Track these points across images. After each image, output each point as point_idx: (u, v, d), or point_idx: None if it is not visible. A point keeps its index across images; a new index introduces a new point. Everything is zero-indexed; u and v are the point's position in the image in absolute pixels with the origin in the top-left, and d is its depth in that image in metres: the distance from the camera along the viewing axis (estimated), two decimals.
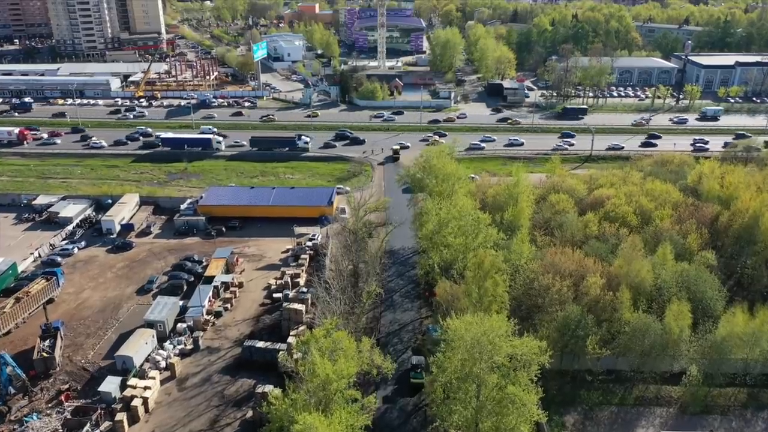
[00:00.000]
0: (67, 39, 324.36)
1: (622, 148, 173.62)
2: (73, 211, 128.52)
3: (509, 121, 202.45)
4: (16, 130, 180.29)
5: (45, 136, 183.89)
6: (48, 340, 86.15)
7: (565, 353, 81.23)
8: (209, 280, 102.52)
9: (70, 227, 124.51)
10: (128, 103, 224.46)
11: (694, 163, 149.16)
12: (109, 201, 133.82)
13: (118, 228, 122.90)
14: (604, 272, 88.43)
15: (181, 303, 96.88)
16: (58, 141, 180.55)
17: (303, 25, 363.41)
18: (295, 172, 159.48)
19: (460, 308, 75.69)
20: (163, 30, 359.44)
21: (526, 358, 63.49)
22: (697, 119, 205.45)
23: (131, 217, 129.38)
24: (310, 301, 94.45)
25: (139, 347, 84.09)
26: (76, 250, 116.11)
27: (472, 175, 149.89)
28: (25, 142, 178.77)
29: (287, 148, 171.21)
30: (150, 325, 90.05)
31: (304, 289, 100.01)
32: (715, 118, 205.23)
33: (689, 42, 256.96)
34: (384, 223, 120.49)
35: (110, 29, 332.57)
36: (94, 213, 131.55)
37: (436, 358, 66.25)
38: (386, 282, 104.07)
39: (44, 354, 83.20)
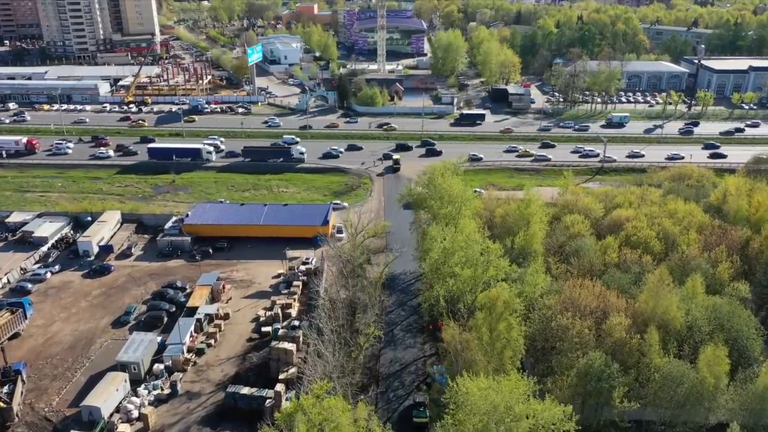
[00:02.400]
0: (57, 40, 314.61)
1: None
2: (49, 230, 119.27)
3: (385, 126, 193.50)
4: (24, 139, 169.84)
5: (70, 144, 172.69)
6: (7, 386, 77.02)
7: (587, 404, 72.21)
8: (192, 311, 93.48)
9: (44, 248, 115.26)
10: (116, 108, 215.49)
11: (713, 177, 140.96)
12: (89, 218, 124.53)
13: (95, 250, 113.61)
14: (629, 310, 79.42)
15: (159, 339, 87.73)
16: (69, 150, 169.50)
17: (301, 26, 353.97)
18: (290, 185, 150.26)
19: (470, 358, 66.59)
20: (157, 31, 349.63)
21: (549, 426, 54.58)
22: (602, 126, 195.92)
23: (111, 237, 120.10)
24: (301, 339, 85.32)
25: (108, 395, 74.90)
26: (48, 274, 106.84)
27: (477, 189, 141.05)
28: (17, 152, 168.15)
29: (281, 159, 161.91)
30: (123, 366, 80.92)
31: (296, 323, 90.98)
32: (621, 125, 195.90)
33: (702, 46, 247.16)
34: (384, 248, 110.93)
35: (102, 30, 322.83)
36: (71, 232, 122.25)
37: (444, 422, 57.36)
38: (386, 313, 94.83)
39: (1, 403, 73.95)
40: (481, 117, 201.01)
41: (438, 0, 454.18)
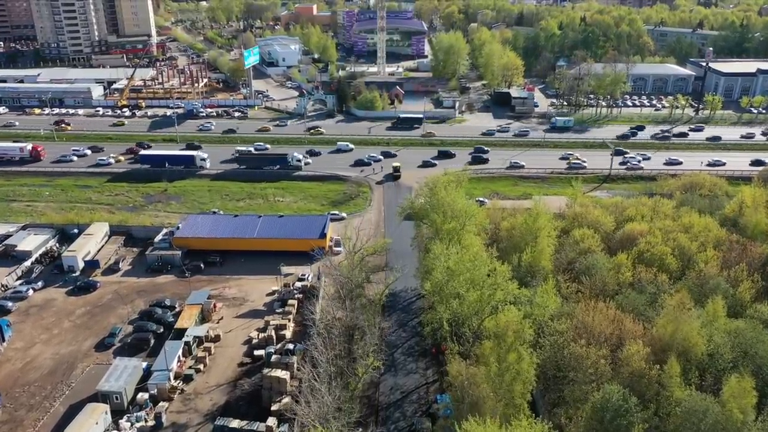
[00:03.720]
0: (51, 42, 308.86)
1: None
2: (33, 243, 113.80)
3: (312, 130, 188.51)
4: (29, 146, 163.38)
5: (88, 152, 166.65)
6: None
7: None
8: (180, 333, 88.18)
9: (27, 263, 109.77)
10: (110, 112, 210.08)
11: (726, 186, 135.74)
12: (75, 230, 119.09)
13: (81, 265, 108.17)
14: (646, 336, 74.12)
15: (144, 365, 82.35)
16: (75, 158, 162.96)
17: (300, 27, 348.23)
18: (286, 194, 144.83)
19: (477, 395, 61.20)
20: (153, 32, 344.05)
21: None
22: (545, 131, 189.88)
23: (98, 251, 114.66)
24: (295, 366, 79.98)
25: (87, 429, 69.49)
26: (31, 292, 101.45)
27: (480, 199, 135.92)
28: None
29: (278, 166, 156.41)
30: (104, 396, 75.57)
31: (291, 346, 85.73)
32: (566, 129, 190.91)
33: (710, 49, 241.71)
34: (383, 266, 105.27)
35: (97, 32, 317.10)
36: (57, 245, 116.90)
37: None
38: (386, 336, 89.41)
39: None
40: (419, 121, 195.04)
41: (438, 1, 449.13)
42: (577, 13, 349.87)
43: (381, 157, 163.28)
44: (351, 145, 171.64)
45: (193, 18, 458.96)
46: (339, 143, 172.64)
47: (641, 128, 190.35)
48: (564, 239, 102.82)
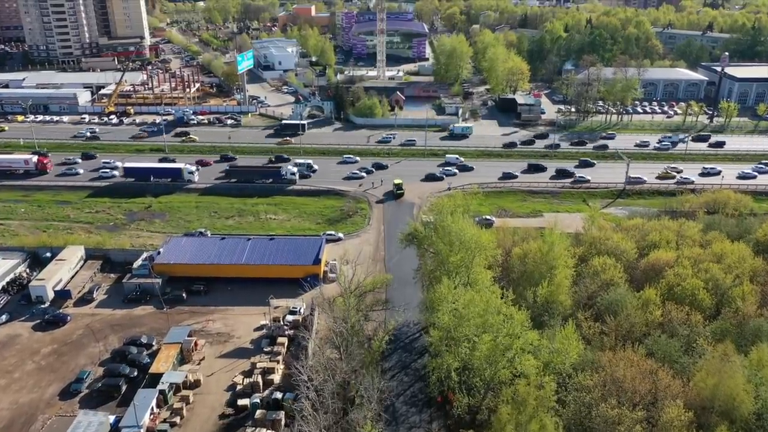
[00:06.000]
0: (40, 44, 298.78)
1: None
2: (0, 269, 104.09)
3: (184, 138, 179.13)
4: (35, 158, 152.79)
5: (119, 164, 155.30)
6: None
7: None
8: (155, 379, 78.63)
9: None
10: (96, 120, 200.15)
11: (750, 203, 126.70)
12: (48, 254, 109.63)
13: (51, 295, 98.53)
14: (685, 393, 64.63)
15: (113, 418, 72.79)
16: (81, 171, 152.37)
17: (297, 29, 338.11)
18: (279, 211, 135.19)
19: None
20: (146, 34, 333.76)
21: None
22: (443, 138, 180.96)
23: (71, 278, 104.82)
24: (283, 423, 70.45)
25: None
26: None
27: (487, 216, 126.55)
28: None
29: (270, 180, 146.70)
30: None
31: (279, 394, 76.29)
32: (464, 137, 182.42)
33: (726, 53, 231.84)
34: (384, 301, 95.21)
35: (88, 34, 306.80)
36: (27, 270, 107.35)
37: None
38: (385, 381, 79.68)
39: None
40: (303, 127, 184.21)
41: (439, 2, 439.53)
42: (582, 14, 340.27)
43: (456, 171, 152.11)
44: (461, 159, 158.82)
45: (189, 19, 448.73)
46: (448, 156, 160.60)
47: (545, 135, 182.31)
48: (582, 268, 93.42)
